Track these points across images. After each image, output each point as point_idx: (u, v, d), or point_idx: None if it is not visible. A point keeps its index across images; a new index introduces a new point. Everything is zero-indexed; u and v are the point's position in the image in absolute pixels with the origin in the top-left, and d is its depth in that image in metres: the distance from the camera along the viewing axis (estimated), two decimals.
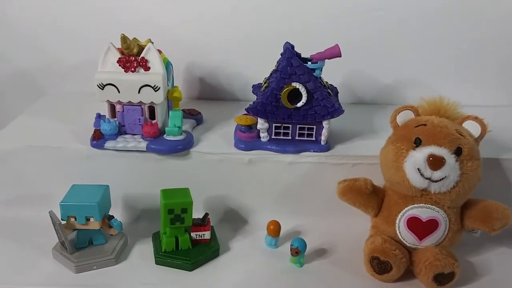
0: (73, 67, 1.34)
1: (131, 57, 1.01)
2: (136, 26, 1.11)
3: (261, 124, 1.02)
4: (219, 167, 1.06)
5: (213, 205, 1.09)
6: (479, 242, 1.03)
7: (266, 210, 1.08)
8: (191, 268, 0.96)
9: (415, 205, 0.91)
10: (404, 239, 0.94)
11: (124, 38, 1.00)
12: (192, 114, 1.17)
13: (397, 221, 0.93)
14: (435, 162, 0.85)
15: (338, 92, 1.10)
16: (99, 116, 1.11)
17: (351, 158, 1.04)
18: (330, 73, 1.08)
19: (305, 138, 1.04)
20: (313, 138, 1.04)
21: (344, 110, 1.01)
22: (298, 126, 1.03)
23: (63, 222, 0.96)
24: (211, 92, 1.33)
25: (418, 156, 0.87)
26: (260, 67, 1.09)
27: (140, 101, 1.03)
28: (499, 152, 1.05)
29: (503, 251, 1.03)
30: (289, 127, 1.03)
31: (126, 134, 1.07)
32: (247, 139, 1.05)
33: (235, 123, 1.10)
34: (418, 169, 0.87)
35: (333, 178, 0.99)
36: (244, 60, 1.29)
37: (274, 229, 1.01)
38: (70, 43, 1.32)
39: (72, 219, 0.95)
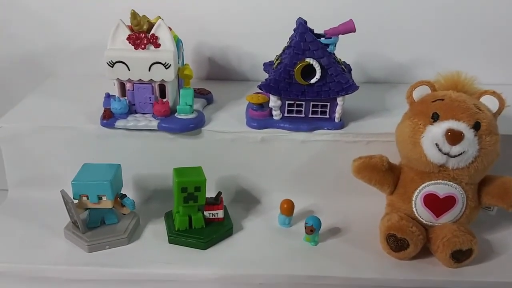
0: (82, 49, 1.32)
1: (141, 34, 0.99)
2: (145, 5, 1.08)
3: (274, 101, 1.01)
4: (232, 146, 1.05)
5: (226, 184, 1.08)
6: (495, 220, 1.02)
7: (279, 189, 1.07)
8: (204, 247, 0.95)
9: (432, 181, 0.89)
10: (420, 216, 0.93)
11: (134, 14, 0.98)
12: (202, 94, 1.15)
13: (414, 198, 0.92)
14: (454, 137, 0.84)
15: (351, 69, 1.08)
16: (109, 96, 1.09)
17: (365, 136, 1.03)
18: (343, 51, 1.06)
19: (319, 116, 1.03)
20: (327, 116, 1.02)
21: (358, 86, 1.00)
22: (311, 103, 1.01)
23: (75, 201, 0.95)
24: (220, 72, 1.31)
25: (436, 131, 0.86)
26: (270, 47, 1.07)
27: (151, 79, 1.01)
28: None
29: None
30: (302, 104, 1.01)
31: (137, 113, 1.05)
32: (259, 117, 1.04)
33: (246, 102, 1.08)
34: (436, 144, 0.86)
35: (347, 156, 0.97)
36: (254, 40, 1.26)
37: (288, 207, 1.00)
38: (79, 24, 1.29)
39: (84, 198, 0.95)
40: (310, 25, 1.01)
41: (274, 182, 1.08)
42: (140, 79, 1.01)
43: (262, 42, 1.21)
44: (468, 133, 0.85)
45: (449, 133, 0.84)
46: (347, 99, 1.05)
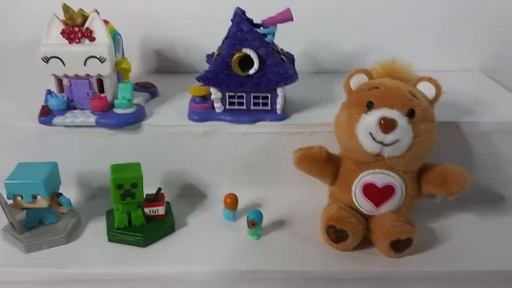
0: (26, 45, 1.28)
1: (75, 27, 0.97)
2: None
3: (214, 93, 0.99)
4: (173, 140, 1.02)
5: (170, 180, 1.06)
6: (440, 208, 1.01)
7: (224, 183, 1.05)
8: (144, 244, 0.93)
9: (370, 171, 0.88)
10: (361, 207, 0.91)
11: (66, 8, 0.96)
12: (145, 87, 1.12)
13: (353, 188, 0.90)
14: (386, 125, 0.82)
15: (294, 59, 1.07)
16: (50, 93, 1.06)
17: (308, 127, 1.01)
18: (290, 42, 1.05)
19: (261, 108, 1.01)
20: (269, 107, 1.01)
21: (298, 77, 0.98)
22: (252, 95, 0.99)
23: (10, 201, 0.92)
24: (168, 65, 1.28)
25: (369, 120, 0.84)
26: (219, 37, 1.04)
27: (87, 74, 0.99)
28: (458, 115, 1.02)
29: (464, 217, 1.02)
30: (243, 96, 1.00)
31: (76, 109, 1.03)
32: (201, 110, 1.02)
33: (191, 95, 1.06)
34: (370, 133, 0.84)
35: (290, 148, 0.95)
36: (202, 31, 1.23)
37: (231, 202, 0.99)
38: (25, 20, 1.26)
39: (19, 198, 0.92)
40: (253, 15, 0.99)
41: (219, 176, 1.06)
42: (76, 74, 0.99)
43: (210, 33, 1.17)
44: (402, 121, 0.83)
45: (381, 122, 0.83)
46: (293, 90, 1.04)
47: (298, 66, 1.07)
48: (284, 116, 1.01)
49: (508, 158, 1.04)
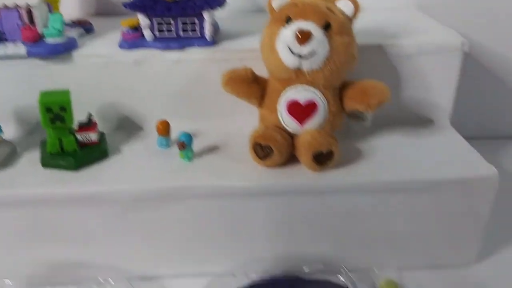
0: None
1: None
2: None
3: (142, 20, 1.00)
4: (106, 70, 1.03)
5: (105, 113, 1.07)
6: (368, 131, 1.05)
7: (159, 114, 1.05)
8: (76, 167, 0.95)
9: (292, 87, 0.91)
10: (287, 125, 0.94)
11: None
12: (81, 24, 1.13)
13: (279, 107, 0.93)
14: (302, 36, 0.84)
15: None
16: None
17: (238, 52, 1.02)
18: None
19: (190, 35, 1.02)
20: (198, 34, 1.02)
21: (224, 1, 1.00)
22: (180, 20, 1.00)
23: None
24: (108, 7, 1.28)
25: (286, 33, 0.87)
26: None
27: (16, 4, 0.99)
28: (382, 39, 1.05)
29: (392, 139, 1.04)
30: (172, 23, 1.01)
31: (7, 41, 1.03)
32: (131, 39, 1.03)
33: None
34: (288, 46, 0.87)
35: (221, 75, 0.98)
36: None
37: (163, 128, 1.01)
38: None
39: None
40: None
41: (153, 107, 1.07)
42: (5, 4, 0.99)
43: None
44: (317, 32, 0.86)
45: (297, 33, 0.85)
46: (227, 25, 1.04)
47: (237, 3, 1.09)
48: (213, 42, 1.03)
49: (434, 81, 1.07)
